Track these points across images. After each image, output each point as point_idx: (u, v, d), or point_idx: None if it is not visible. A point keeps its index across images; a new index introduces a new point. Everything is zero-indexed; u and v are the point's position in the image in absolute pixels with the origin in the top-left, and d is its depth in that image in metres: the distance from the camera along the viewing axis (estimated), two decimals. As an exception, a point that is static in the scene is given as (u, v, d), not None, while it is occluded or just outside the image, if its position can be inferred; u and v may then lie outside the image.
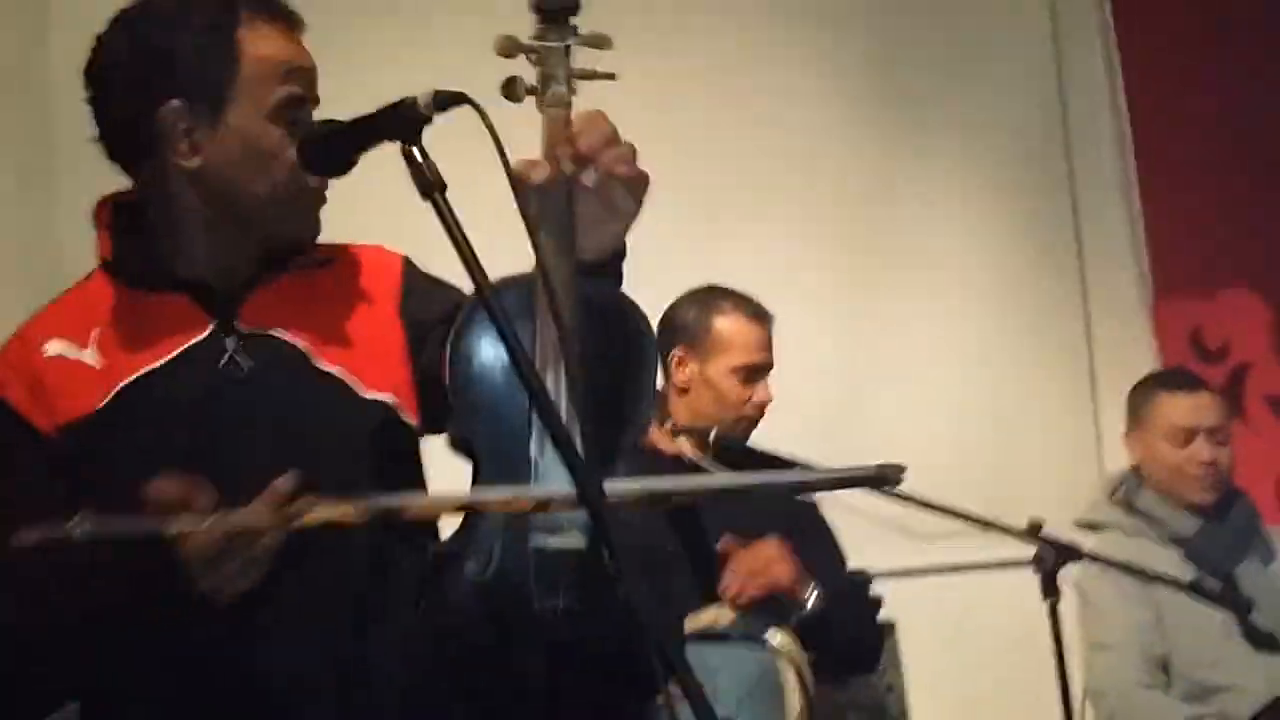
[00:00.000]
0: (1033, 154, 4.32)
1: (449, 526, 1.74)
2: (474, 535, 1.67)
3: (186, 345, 1.73)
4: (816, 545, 2.98)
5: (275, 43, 1.73)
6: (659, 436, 3.03)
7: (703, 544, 2.91)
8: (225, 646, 1.67)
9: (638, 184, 1.64)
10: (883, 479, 1.55)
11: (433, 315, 1.78)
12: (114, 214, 1.79)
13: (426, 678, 1.66)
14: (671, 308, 3.11)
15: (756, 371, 3.05)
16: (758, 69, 4.13)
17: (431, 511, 1.74)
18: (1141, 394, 3.48)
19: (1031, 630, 2.77)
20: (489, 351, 1.69)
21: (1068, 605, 2.69)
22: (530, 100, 1.66)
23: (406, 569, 1.70)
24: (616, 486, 1.56)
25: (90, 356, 1.72)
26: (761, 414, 3.07)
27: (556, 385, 1.60)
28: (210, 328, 1.74)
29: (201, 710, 1.70)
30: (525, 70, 1.65)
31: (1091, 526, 3.45)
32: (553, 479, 1.62)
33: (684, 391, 3.07)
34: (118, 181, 1.81)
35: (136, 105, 1.71)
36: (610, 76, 1.67)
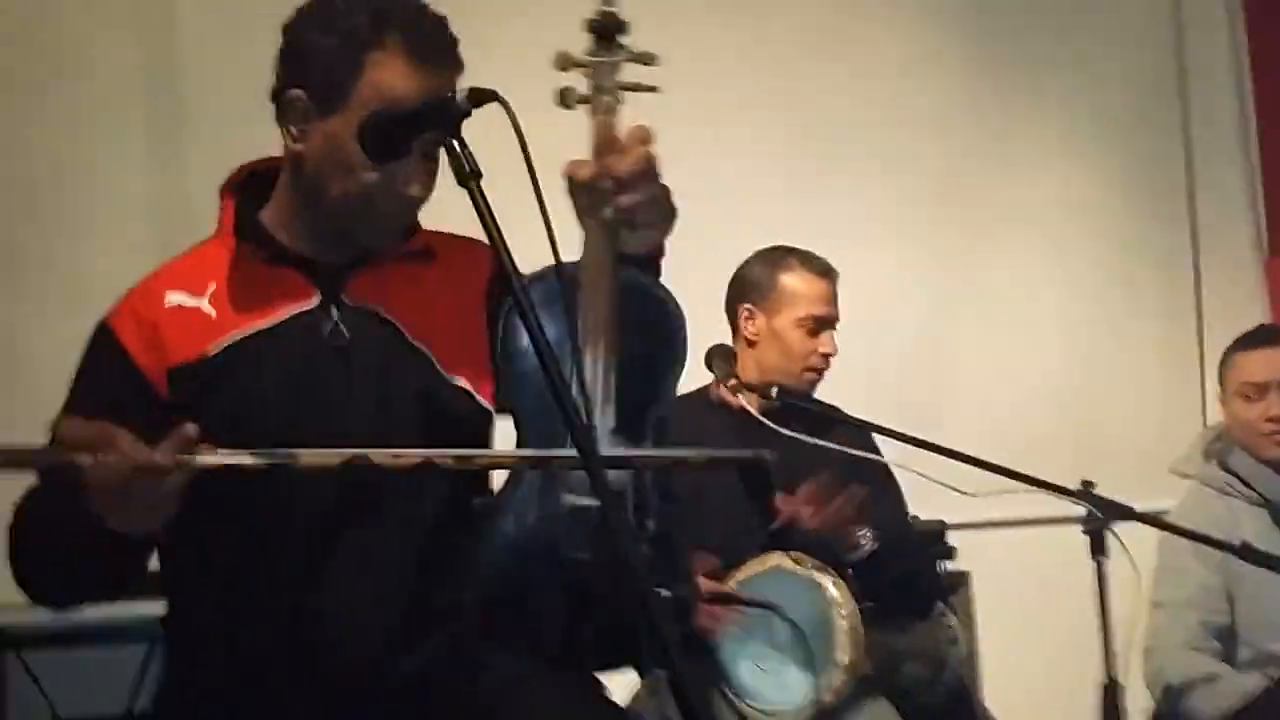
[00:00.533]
0: (1145, 99, 4.22)
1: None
2: (513, 494, 1.88)
3: (296, 311, 1.92)
4: (879, 495, 3.03)
5: (400, 76, 1.85)
6: (725, 392, 3.11)
7: (767, 492, 2.99)
8: (301, 577, 1.85)
9: (658, 212, 1.83)
10: (755, 462, 1.88)
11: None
12: (245, 182, 1.99)
13: (472, 617, 1.85)
14: (740, 267, 3.20)
15: (821, 323, 3.11)
16: (851, 10, 4.10)
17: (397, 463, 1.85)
18: (1226, 354, 3.43)
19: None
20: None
21: (1115, 565, 2.69)
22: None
23: (465, 522, 1.88)
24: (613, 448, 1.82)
25: (206, 306, 1.90)
26: (827, 365, 3.12)
27: (595, 360, 1.81)
28: (317, 299, 1.93)
29: (274, 633, 1.86)
30: (579, 82, 1.88)
31: (1184, 476, 3.41)
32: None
33: (752, 344, 3.14)
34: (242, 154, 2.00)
35: (278, 83, 1.91)
36: (653, 89, 1.87)
